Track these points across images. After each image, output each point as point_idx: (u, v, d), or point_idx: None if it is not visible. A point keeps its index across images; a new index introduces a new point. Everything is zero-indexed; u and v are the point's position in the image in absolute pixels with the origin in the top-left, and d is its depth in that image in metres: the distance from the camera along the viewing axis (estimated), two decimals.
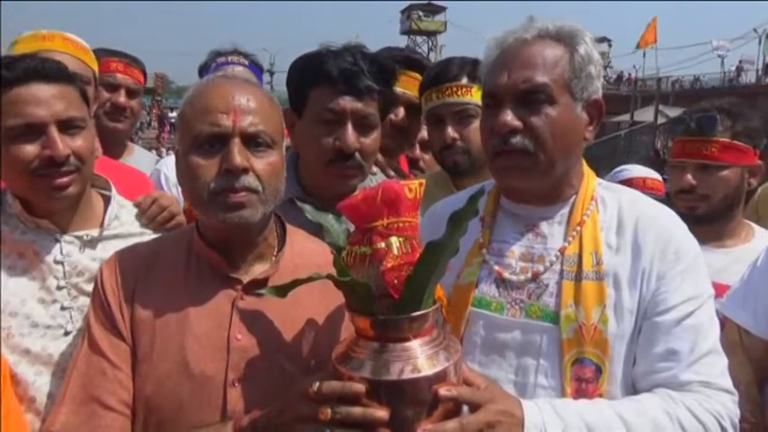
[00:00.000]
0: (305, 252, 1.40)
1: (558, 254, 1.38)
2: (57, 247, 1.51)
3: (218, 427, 1.20)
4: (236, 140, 1.24)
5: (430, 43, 61.81)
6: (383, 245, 1.06)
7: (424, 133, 2.46)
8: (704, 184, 2.13)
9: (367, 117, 1.71)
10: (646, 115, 30.84)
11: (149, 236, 1.61)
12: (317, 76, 1.70)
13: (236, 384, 1.27)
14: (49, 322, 1.47)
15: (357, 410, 1.04)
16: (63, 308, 1.49)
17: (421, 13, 60.40)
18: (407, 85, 2.31)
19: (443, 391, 1.05)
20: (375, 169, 2.00)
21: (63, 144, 1.43)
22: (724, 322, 1.85)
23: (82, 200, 1.55)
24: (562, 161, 1.37)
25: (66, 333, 1.48)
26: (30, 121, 1.41)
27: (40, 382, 1.44)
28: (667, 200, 2.13)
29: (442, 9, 61.22)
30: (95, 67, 2.25)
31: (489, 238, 1.46)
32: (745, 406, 1.81)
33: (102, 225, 1.58)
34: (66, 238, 1.53)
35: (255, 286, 1.31)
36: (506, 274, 1.39)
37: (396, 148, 2.40)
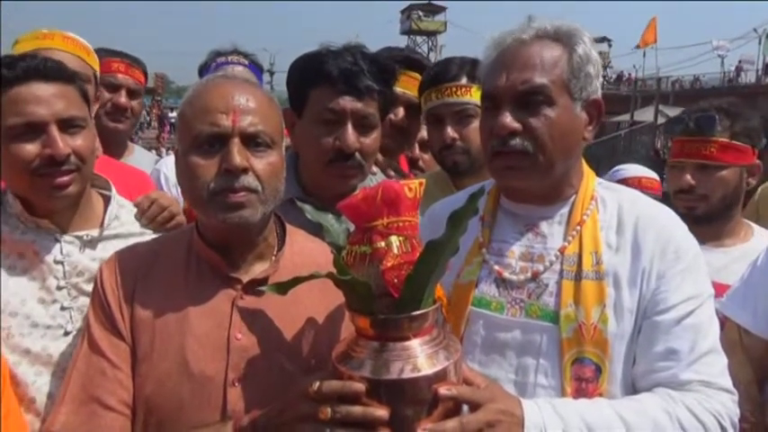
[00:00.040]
0: (305, 252, 1.41)
1: (558, 253, 1.38)
2: (57, 247, 1.51)
3: (218, 427, 1.20)
4: (236, 140, 1.24)
5: (430, 43, 61.81)
6: (383, 244, 1.07)
7: (423, 133, 2.46)
8: (703, 184, 2.13)
9: (367, 117, 1.71)
10: (646, 115, 30.83)
11: (149, 236, 1.60)
12: (317, 76, 1.70)
13: (236, 384, 1.27)
14: (49, 322, 1.47)
15: (357, 410, 1.04)
16: (63, 308, 1.49)
17: (421, 13, 60.39)
18: (407, 85, 2.31)
19: (443, 390, 1.05)
20: (375, 169, 2.00)
21: (63, 143, 1.43)
22: (724, 322, 1.85)
23: (82, 200, 1.55)
24: (561, 161, 1.37)
25: (66, 333, 1.48)
26: (30, 120, 1.41)
27: (39, 382, 1.44)
28: (666, 199, 2.13)
29: (442, 9, 61.22)
30: (96, 67, 2.25)
31: (489, 237, 1.46)
32: (745, 405, 1.81)
33: (102, 225, 1.58)
34: (67, 238, 1.53)
35: (255, 286, 1.31)
36: (506, 274, 1.39)
37: (396, 147, 2.40)
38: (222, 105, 1.25)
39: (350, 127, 1.69)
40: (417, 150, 2.58)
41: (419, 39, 61.24)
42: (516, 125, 1.33)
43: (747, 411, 1.86)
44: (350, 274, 1.06)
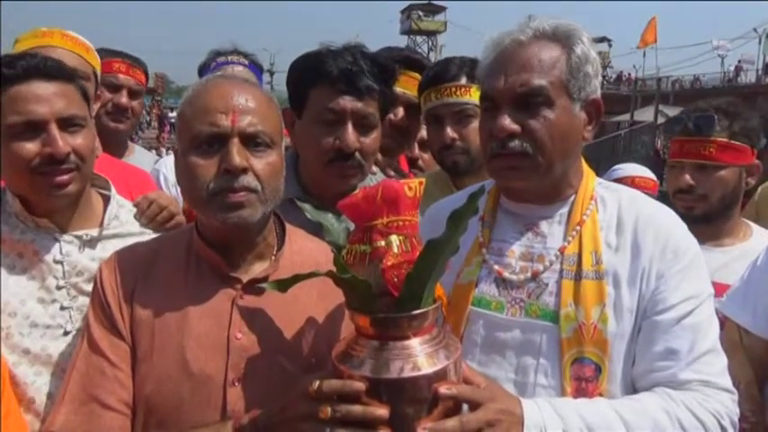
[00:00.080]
0: (304, 251, 1.41)
1: (558, 253, 1.38)
2: (56, 246, 1.51)
3: (218, 427, 1.20)
4: (235, 140, 1.24)
5: (430, 43, 61.78)
6: (383, 243, 1.07)
7: (423, 133, 2.46)
8: (702, 184, 2.14)
9: (367, 117, 1.71)
10: (646, 115, 30.82)
11: (149, 236, 1.60)
12: (316, 76, 1.70)
13: (236, 383, 1.27)
14: (49, 322, 1.47)
15: (357, 409, 1.04)
16: (62, 308, 1.49)
17: (421, 13, 60.36)
18: (407, 85, 2.31)
19: (443, 389, 1.06)
20: (375, 169, 2.00)
21: (63, 142, 1.43)
22: (724, 322, 1.85)
23: (82, 199, 1.55)
24: (561, 162, 1.37)
25: (66, 333, 1.48)
26: (30, 119, 1.41)
27: (39, 382, 1.44)
28: (663, 199, 2.13)
29: (442, 9, 61.19)
30: (96, 65, 2.24)
31: (489, 237, 1.46)
32: (745, 405, 1.81)
33: (101, 225, 1.58)
34: (66, 237, 1.53)
35: (255, 285, 1.31)
36: (506, 274, 1.39)
37: (395, 147, 2.40)
38: (222, 105, 1.25)
39: (350, 127, 1.69)
40: (417, 150, 2.58)
41: (419, 39, 61.21)
42: (515, 127, 1.33)
43: (747, 411, 1.86)
44: (350, 272, 1.06)
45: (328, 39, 1.69)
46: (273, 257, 1.37)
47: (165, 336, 1.28)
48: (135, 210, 1.70)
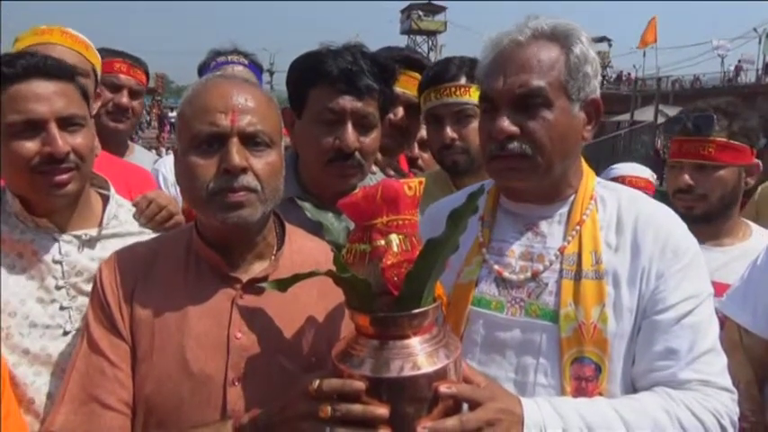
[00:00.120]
0: (304, 250, 1.41)
1: (558, 253, 1.38)
2: (55, 246, 1.51)
3: (218, 426, 1.20)
4: (235, 140, 1.24)
5: (430, 43, 61.77)
6: (383, 242, 1.07)
7: (423, 132, 2.47)
8: (701, 184, 2.14)
9: (367, 116, 1.71)
10: (646, 115, 30.81)
11: (148, 235, 1.60)
12: (316, 76, 1.70)
13: (236, 383, 1.27)
14: (48, 322, 1.47)
15: (357, 408, 1.04)
16: (62, 308, 1.49)
17: (421, 13, 60.34)
18: (407, 85, 2.32)
19: (443, 388, 1.06)
20: (374, 168, 2.00)
21: (63, 141, 1.43)
22: (723, 321, 1.86)
23: (81, 199, 1.55)
24: (560, 163, 1.37)
25: (65, 333, 1.48)
26: (30, 118, 1.41)
27: (39, 382, 1.44)
28: (664, 199, 2.14)
29: (442, 9, 61.18)
30: (96, 62, 2.24)
31: (489, 237, 1.46)
32: (745, 405, 1.81)
33: (100, 224, 1.58)
34: (65, 237, 1.53)
35: (255, 285, 1.31)
36: (506, 273, 1.39)
37: (395, 147, 2.40)
38: (221, 105, 1.25)
39: (350, 126, 1.69)
40: (417, 149, 2.58)
41: (419, 38, 61.20)
42: (514, 129, 1.33)
43: (747, 411, 1.86)
44: (350, 272, 1.06)
45: (328, 39, 1.69)
46: (273, 257, 1.37)
47: (165, 335, 1.28)
48: (134, 209, 1.70)
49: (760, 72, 40.24)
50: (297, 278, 1.12)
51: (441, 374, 1.06)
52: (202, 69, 2.76)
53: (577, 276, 1.34)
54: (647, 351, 1.31)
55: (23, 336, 1.44)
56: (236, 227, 1.27)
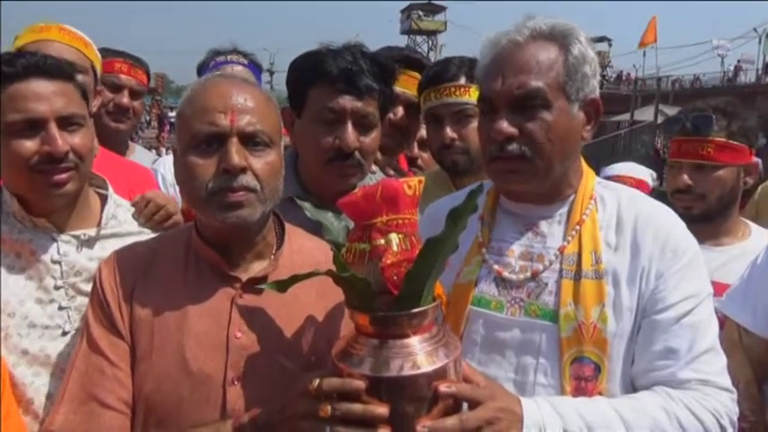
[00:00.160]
0: (304, 250, 1.41)
1: (558, 253, 1.38)
2: (54, 246, 1.51)
3: (218, 426, 1.20)
4: (234, 140, 1.24)
5: (430, 43, 61.76)
6: (382, 241, 1.07)
7: (422, 132, 2.47)
8: (700, 184, 2.14)
9: (366, 116, 1.71)
10: (646, 114, 30.82)
11: (147, 235, 1.60)
12: (316, 75, 1.70)
13: (236, 382, 1.27)
14: (47, 322, 1.47)
15: (357, 407, 1.04)
16: (61, 308, 1.49)
17: (421, 13, 60.33)
18: (407, 85, 2.31)
19: (443, 387, 1.06)
20: (374, 168, 2.00)
21: (62, 140, 1.43)
22: (723, 321, 1.86)
23: (79, 199, 1.55)
24: (560, 163, 1.37)
25: (65, 333, 1.48)
26: (30, 117, 1.41)
27: (38, 383, 1.44)
28: (664, 198, 2.14)
29: (442, 9, 61.15)
30: (95, 59, 2.23)
31: (489, 237, 1.46)
32: (745, 405, 1.82)
33: (99, 224, 1.58)
34: (64, 237, 1.52)
35: (254, 284, 1.31)
36: (506, 273, 1.39)
37: (395, 147, 2.40)
38: (220, 105, 1.25)
39: (349, 126, 1.69)
40: (416, 149, 2.58)
41: (419, 38, 61.19)
42: (513, 130, 1.33)
43: (747, 410, 1.86)
44: (349, 271, 1.06)
45: (328, 38, 1.69)
46: (273, 256, 1.37)
47: (165, 335, 1.28)
48: (133, 209, 1.69)
49: (760, 72, 40.23)
50: (296, 279, 1.12)
51: (440, 374, 1.06)
52: (201, 69, 2.75)
53: (577, 276, 1.34)
54: (647, 350, 1.31)
55: (22, 336, 1.44)
56: (235, 227, 1.27)
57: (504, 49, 1.36)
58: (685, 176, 2.16)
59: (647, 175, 3.45)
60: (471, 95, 2.03)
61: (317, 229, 1.28)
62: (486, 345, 1.38)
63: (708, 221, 2.15)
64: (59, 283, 1.50)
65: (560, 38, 1.35)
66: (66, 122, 1.45)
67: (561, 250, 1.38)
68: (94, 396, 1.25)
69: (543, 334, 1.33)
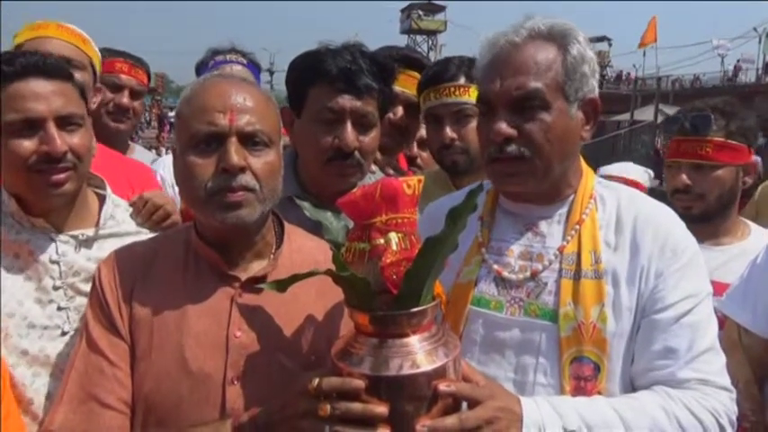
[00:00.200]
0: (303, 250, 1.41)
1: (557, 252, 1.38)
2: (52, 246, 1.51)
3: (218, 425, 1.20)
4: (233, 139, 1.24)
5: (430, 42, 61.75)
6: (382, 241, 1.07)
7: (422, 131, 2.47)
8: (699, 184, 2.14)
9: (366, 116, 1.71)
10: (646, 114, 30.81)
11: (145, 235, 1.60)
12: (315, 75, 1.70)
13: (235, 382, 1.27)
14: (46, 323, 1.47)
15: (356, 406, 1.04)
16: (60, 308, 1.49)
17: (421, 13, 60.32)
18: (406, 84, 2.32)
19: (443, 386, 1.06)
20: (374, 167, 2.00)
21: (61, 140, 1.42)
22: (723, 321, 1.86)
23: (78, 199, 1.55)
24: (559, 164, 1.37)
25: (64, 333, 1.48)
26: (28, 116, 1.41)
27: (37, 383, 1.43)
28: (663, 198, 2.14)
29: (442, 8, 61.15)
30: (93, 56, 2.22)
31: (488, 236, 1.46)
32: (745, 404, 1.82)
33: (97, 224, 1.58)
34: (62, 237, 1.52)
35: (254, 284, 1.31)
36: (505, 273, 1.39)
37: (394, 146, 2.41)
38: (219, 104, 1.25)
39: (349, 125, 1.69)
40: (416, 148, 2.58)
41: (419, 38, 61.19)
42: (511, 131, 1.33)
43: (748, 410, 1.86)
44: (349, 270, 1.06)
45: (328, 38, 1.69)
46: (272, 256, 1.37)
47: (164, 334, 1.28)
48: (131, 209, 1.69)
49: (760, 72, 40.22)
50: (295, 278, 1.12)
51: (440, 373, 1.06)
52: (200, 68, 2.74)
53: (576, 276, 1.34)
54: (646, 350, 1.31)
55: (22, 337, 1.44)
56: (234, 227, 1.27)
57: (503, 49, 1.36)
58: (684, 176, 2.16)
59: (641, 174, 3.44)
60: (471, 95, 2.03)
61: (316, 228, 1.28)
62: (485, 344, 1.38)
63: (707, 221, 2.15)
64: (58, 283, 1.50)
65: (558, 38, 1.35)
66: (65, 122, 1.45)
67: (561, 250, 1.38)
68: (94, 396, 1.25)
69: (543, 334, 1.33)
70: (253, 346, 1.29)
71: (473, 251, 1.44)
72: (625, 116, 32.44)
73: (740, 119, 2.14)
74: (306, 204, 1.27)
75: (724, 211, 2.17)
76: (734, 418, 1.29)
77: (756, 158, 2.21)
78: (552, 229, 1.41)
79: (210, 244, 1.33)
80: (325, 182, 1.75)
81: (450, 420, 1.06)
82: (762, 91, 31.22)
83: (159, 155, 4.47)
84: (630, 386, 1.33)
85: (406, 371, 1.04)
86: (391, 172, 2.28)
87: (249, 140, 1.26)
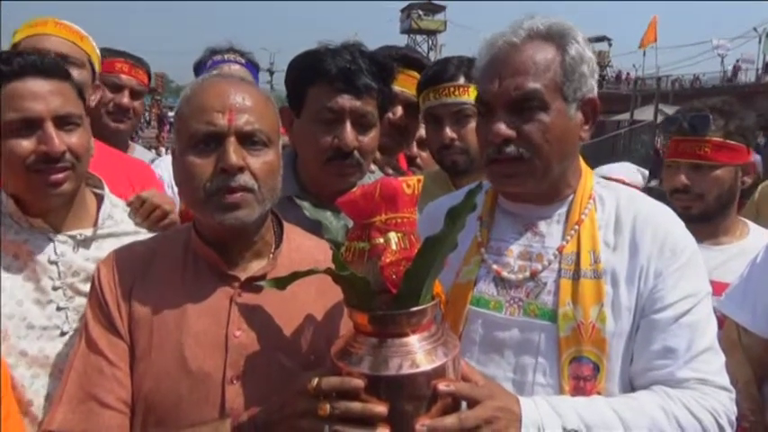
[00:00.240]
0: (302, 249, 1.41)
1: (557, 252, 1.38)
2: (50, 246, 1.51)
3: (217, 425, 1.20)
4: (232, 139, 1.24)
5: (430, 42, 61.75)
6: (381, 240, 1.07)
7: (421, 131, 2.47)
8: (698, 184, 2.14)
9: (365, 115, 1.71)
10: (646, 114, 30.78)
11: (143, 234, 1.60)
12: (315, 75, 1.70)
13: (235, 381, 1.27)
14: (46, 323, 1.47)
15: (356, 406, 1.04)
16: (59, 308, 1.49)
17: (421, 12, 60.32)
18: (406, 84, 2.32)
19: (442, 386, 1.06)
20: (373, 167, 2.00)
21: (59, 140, 1.42)
22: (722, 320, 1.86)
23: (76, 199, 1.54)
24: (558, 164, 1.37)
25: (63, 334, 1.48)
26: (26, 116, 1.41)
27: (37, 384, 1.43)
28: (663, 198, 2.15)
29: (442, 8, 61.14)
30: (91, 53, 2.21)
31: (488, 236, 1.46)
32: (745, 404, 1.82)
33: (95, 224, 1.57)
34: (60, 237, 1.52)
35: (253, 283, 1.31)
36: (505, 273, 1.39)
37: (394, 146, 2.40)
38: (218, 104, 1.25)
39: (348, 125, 1.69)
40: (415, 148, 2.58)
41: (419, 38, 61.19)
42: (510, 132, 1.33)
43: (747, 410, 1.86)
44: (348, 270, 1.06)
45: (328, 38, 1.69)
46: (271, 255, 1.37)
47: (164, 334, 1.28)
48: (129, 209, 1.69)
49: (760, 72, 40.22)
50: (295, 276, 1.12)
51: (439, 372, 1.06)
52: (198, 68, 2.73)
53: (576, 276, 1.34)
54: (646, 350, 1.31)
55: (21, 337, 1.44)
56: (233, 227, 1.27)
57: (501, 50, 1.36)
58: (683, 176, 2.16)
59: (634, 174, 3.43)
60: (470, 95, 2.03)
61: (315, 228, 1.28)
62: (484, 344, 1.38)
63: (706, 221, 2.15)
64: (57, 283, 1.50)
65: (557, 38, 1.35)
66: (63, 122, 1.45)
67: (560, 250, 1.38)
68: (93, 395, 1.25)
69: (542, 333, 1.33)
70: (252, 346, 1.29)
71: (472, 251, 1.44)
72: (625, 116, 32.40)
73: (739, 119, 2.15)
74: (305, 204, 1.27)
75: (723, 210, 2.17)
76: (733, 417, 1.29)
77: (756, 157, 2.21)
78: (551, 229, 1.41)
79: (210, 243, 1.33)
80: (325, 181, 1.75)
81: (450, 420, 1.06)
82: (762, 91, 31.21)
83: (159, 155, 4.47)
84: (630, 386, 1.33)
85: (406, 370, 1.04)
86: (391, 172, 2.28)
87: (248, 140, 1.26)
